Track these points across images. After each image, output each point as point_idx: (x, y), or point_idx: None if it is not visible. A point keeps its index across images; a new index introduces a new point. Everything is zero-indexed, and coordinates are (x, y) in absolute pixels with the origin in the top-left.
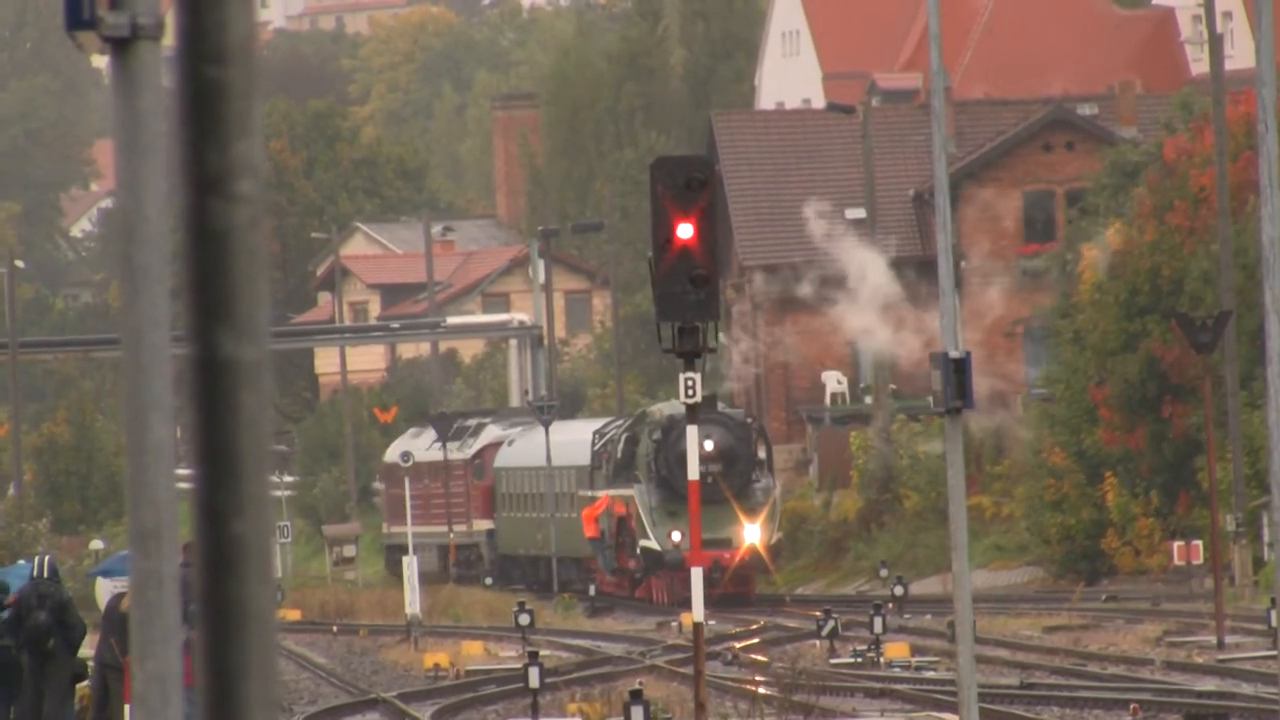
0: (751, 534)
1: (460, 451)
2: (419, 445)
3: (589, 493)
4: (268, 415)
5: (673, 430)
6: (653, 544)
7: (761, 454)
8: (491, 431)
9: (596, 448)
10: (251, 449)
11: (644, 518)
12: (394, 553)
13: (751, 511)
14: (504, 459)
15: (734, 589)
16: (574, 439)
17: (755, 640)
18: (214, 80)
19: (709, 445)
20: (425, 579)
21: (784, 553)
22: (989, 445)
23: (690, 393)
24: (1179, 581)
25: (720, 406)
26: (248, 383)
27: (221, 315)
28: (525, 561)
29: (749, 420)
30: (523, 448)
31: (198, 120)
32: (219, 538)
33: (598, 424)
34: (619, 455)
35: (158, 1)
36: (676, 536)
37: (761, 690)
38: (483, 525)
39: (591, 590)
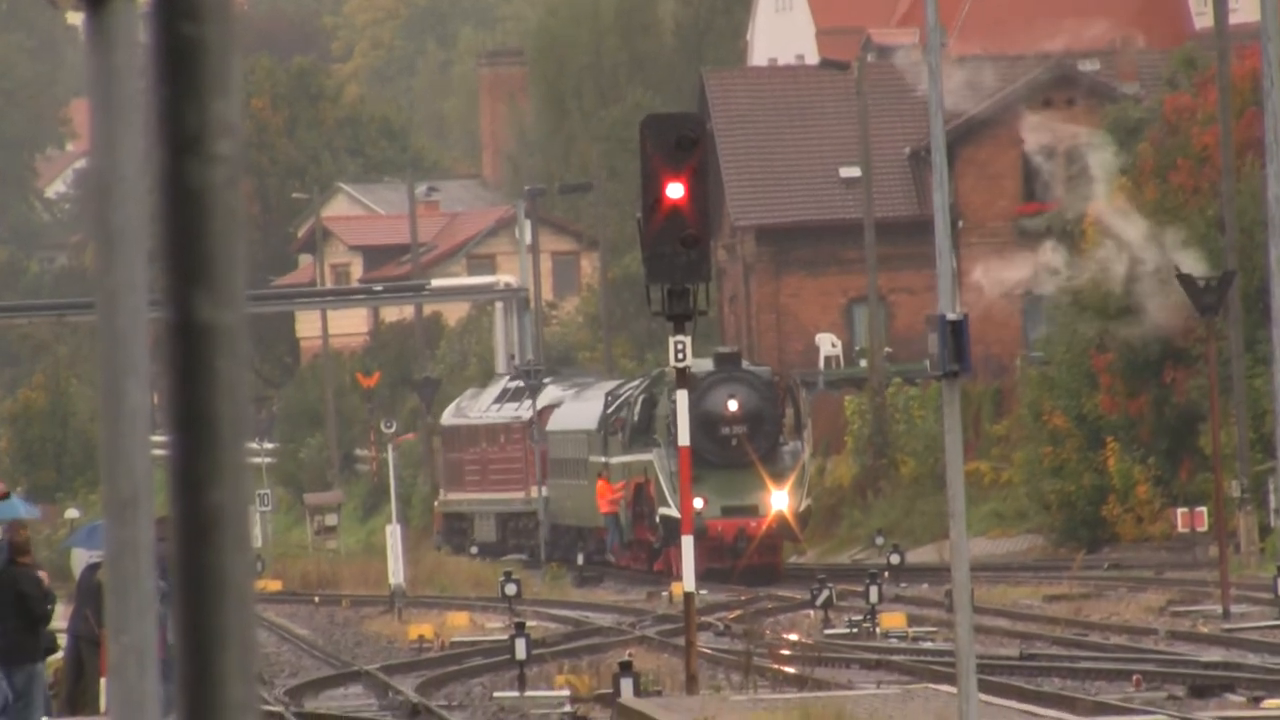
0: (779, 500)
1: (519, 412)
2: (478, 405)
3: (602, 459)
4: (245, 381)
5: (694, 390)
6: (673, 511)
7: (790, 414)
8: (552, 392)
9: (609, 411)
10: (228, 415)
11: (664, 483)
12: (451, 521)
13: (779, 476)
14: (554, 422)
15: (760, 560)
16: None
17: (741, 611)
18: (191, 37)
19: (733, 405)
20: (483, 549)
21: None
22: (988, 406)
23: (680, 356)
24: (1183, 549)
25: (745, 364)
26: (224, 348)
27: (198, 278)
28: (574, 532)
29: (777, 378)
30: (571, 409)
31: (174, 79)
32: (195, 506)
33: (610, 385)
34: (635, 418)
35: None
36: (698, 504)
37: (756, 661)
38: (544, 492)
39: (579, 559)
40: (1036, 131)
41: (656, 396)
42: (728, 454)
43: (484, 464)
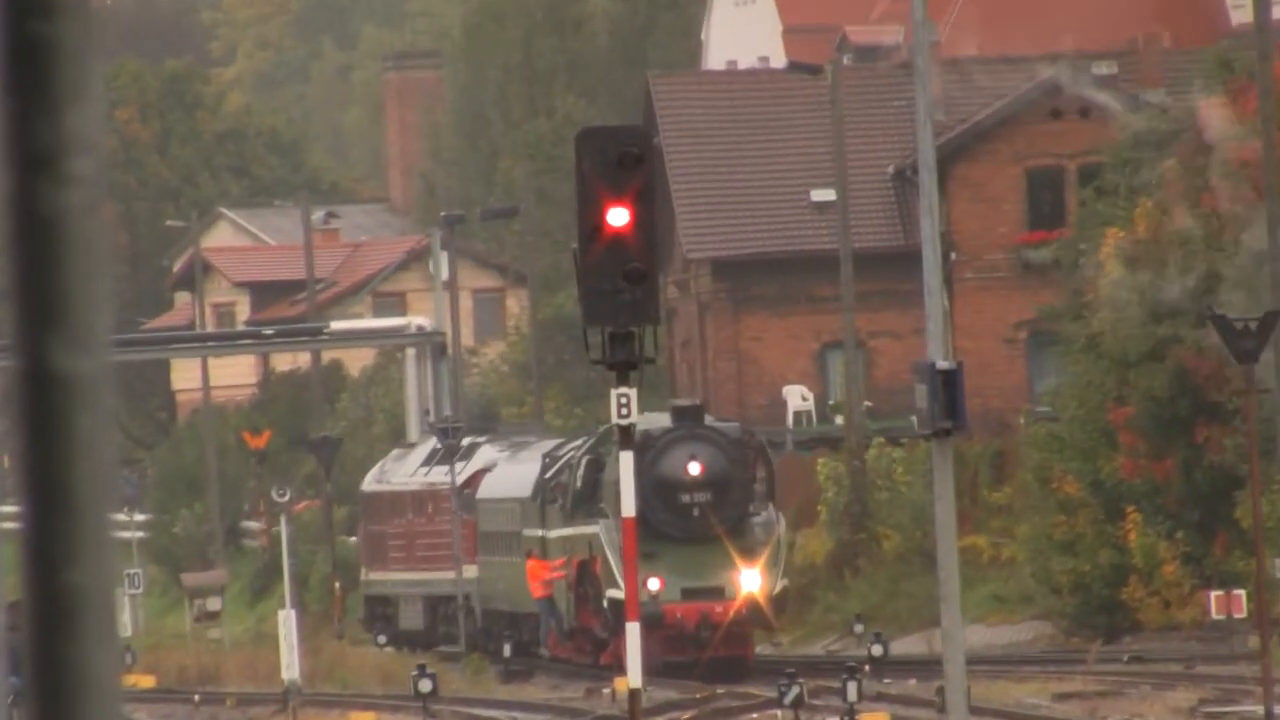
0: (749, 581)
1: (447, 477)
2: (404, 468)
3: (538, 532)
4: (110, 441)
5: (648, 450)
6: (623, 594)
7: (762, 478)
8: (487, 454)
9: (547, 476)
10: (90, 481)
11: (612, 561)
12: (374, 605)
13: (749, 553)
14: (485, 489)
15: (728, 651)
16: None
17: (697, 711)
18: (42, 37)
19: (695, 468)
20: (408, 639)
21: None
22: (986, 470)
23: (624, 412)
24: (1217, 639)
25: (709, 420)
26: (84, 401)
27: (52, 320)
28: (507, 618)
29: (746, 436)
30: (503, 474)
31: (22, 86)
32: (51, 589)
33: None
34: (578, 484)
35: None
36: (654, 584)
37: None
38: (474, 571)
39: (506, 650)
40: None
41: (603, 458)
42: (689, 526)
43: (410, 538)
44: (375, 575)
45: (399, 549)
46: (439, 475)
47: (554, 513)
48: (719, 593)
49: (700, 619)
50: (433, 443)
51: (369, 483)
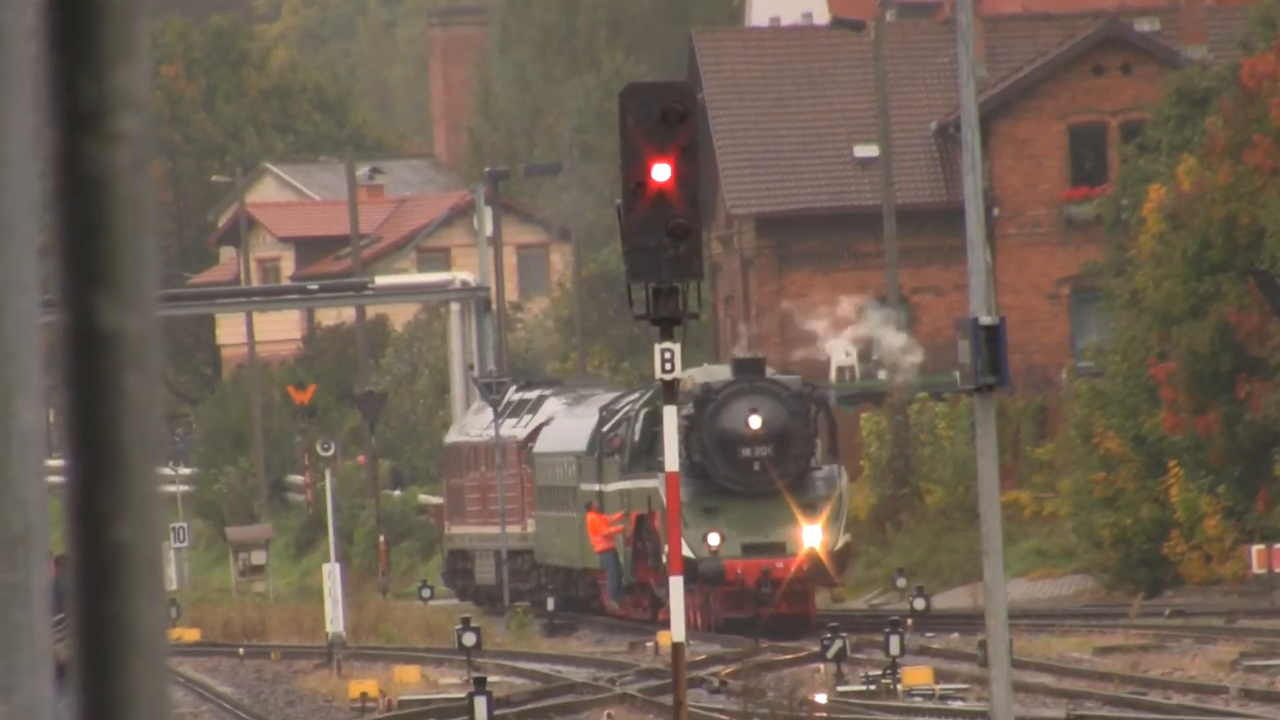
0: (811, 536)
1: (513, 430)
2: (480, 421)
3: (595, 486)
4: (156, 397)
5: (709, 404)
6: (683, 550)
7: (824, 432)
8: (552, 406)
9: (605, 429)
10: (136, 437)
11: None
12: (455, 560)
13: (810, 508)
14: (542, 442)
15: (789, 609)
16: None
17: (739, 665)
18: None
19: (755, 422)
20: (481, 595)
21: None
22: (1029, 425)
23: (668, 367)
24: (1259, 593)
25: (770, 373)
26: (132, 358)
27: (100, 278)
28: (564, 574)
29: (808, 389)
30: (561, 427)
31: (69, 43)
32: (97, 544)
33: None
34: (636, 437)
35: None
36: (714, 540)
37: None
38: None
39: (550, 605)
40: None
41: (662, 411)
42: (749, 480)
43: (483, 491)
44: (455, 529)
45: (474, 503)
46: (509, 428)
47: (611, 466)
48: (780, 549)
49: (761, 575)
50: (509, 394)
51: (451, 435)
